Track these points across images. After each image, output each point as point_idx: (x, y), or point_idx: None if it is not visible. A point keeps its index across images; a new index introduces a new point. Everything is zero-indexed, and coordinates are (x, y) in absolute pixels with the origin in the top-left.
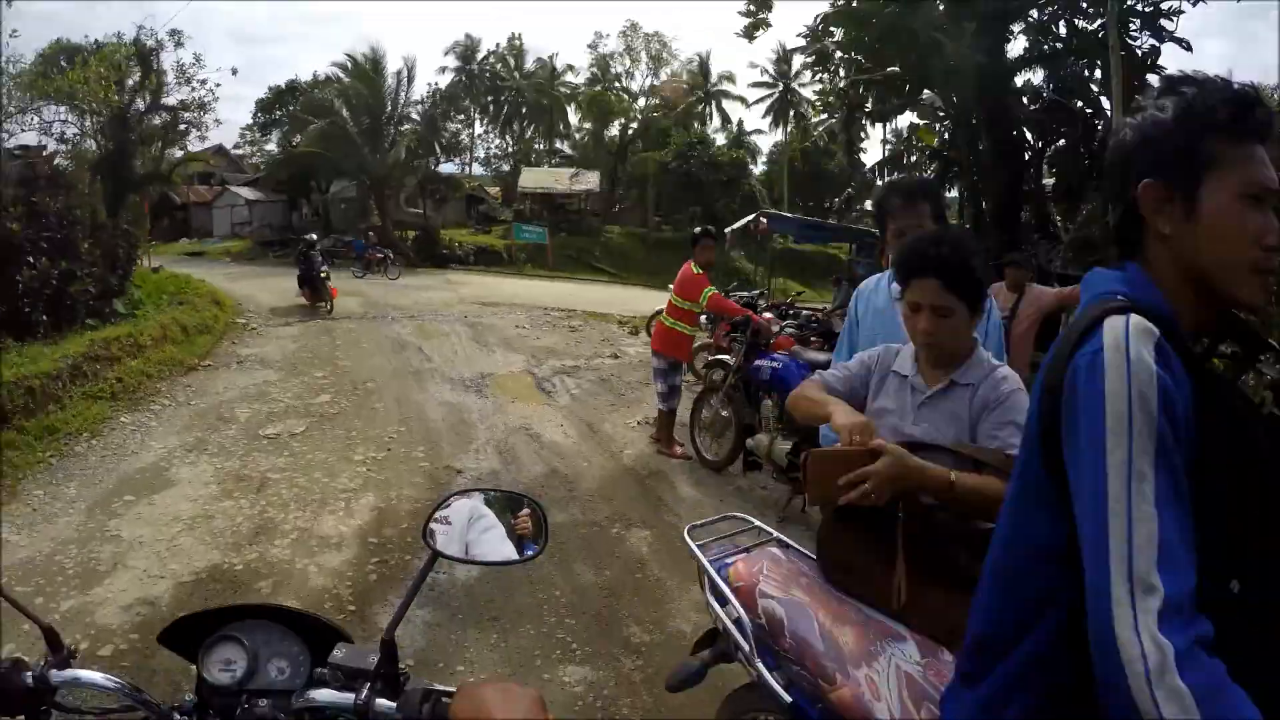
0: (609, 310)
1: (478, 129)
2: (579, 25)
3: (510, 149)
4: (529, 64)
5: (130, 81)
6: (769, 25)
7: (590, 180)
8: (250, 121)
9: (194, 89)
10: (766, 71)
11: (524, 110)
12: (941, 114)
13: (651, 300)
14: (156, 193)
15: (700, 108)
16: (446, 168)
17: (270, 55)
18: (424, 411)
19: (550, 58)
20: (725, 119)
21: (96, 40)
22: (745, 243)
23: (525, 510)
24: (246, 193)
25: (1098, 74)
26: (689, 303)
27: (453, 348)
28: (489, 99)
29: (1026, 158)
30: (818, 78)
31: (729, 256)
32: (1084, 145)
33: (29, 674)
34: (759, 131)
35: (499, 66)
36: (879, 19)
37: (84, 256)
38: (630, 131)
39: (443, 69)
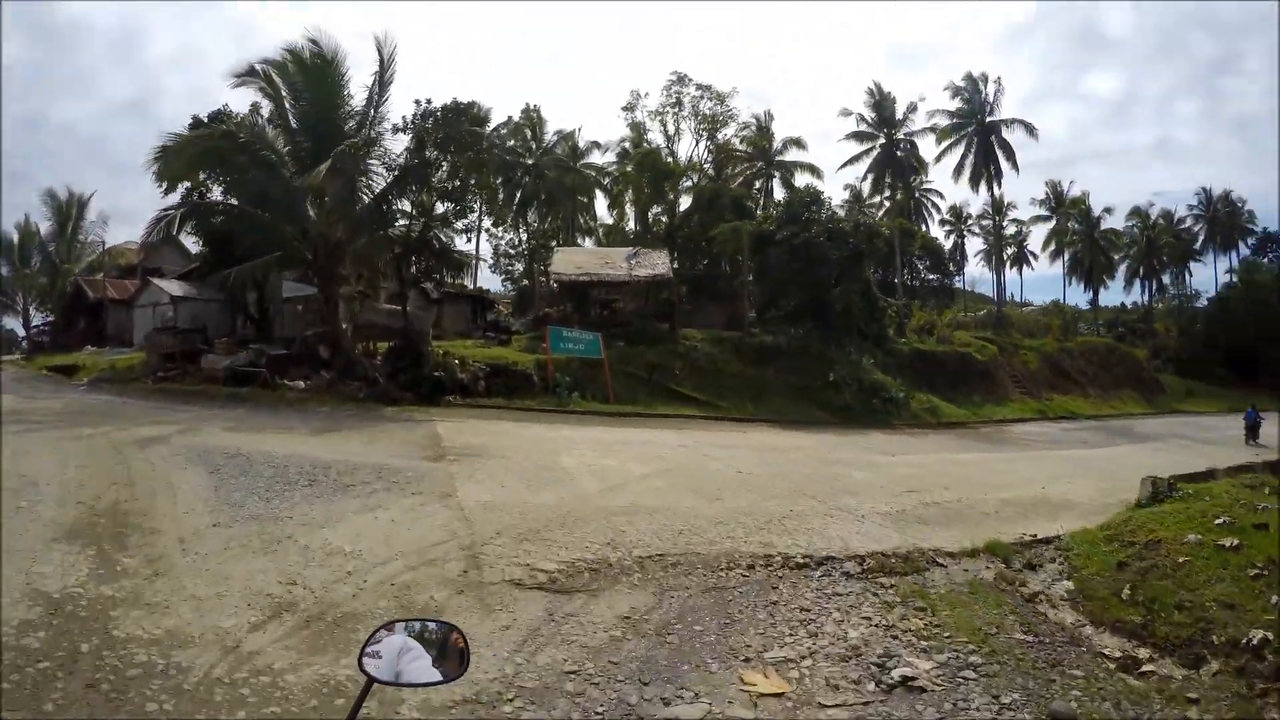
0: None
1: (485, 220)
2: (604, 101)
3: (522, 245)
4: (548, 136)
5: None
6: None
7: (657, 263)
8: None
9: None
10: (864, 119)
11: (542, 194)
12: None
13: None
14: (62, 285)
15: (759, 183)
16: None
17: None
18: None
19: (574, 131)
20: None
21: None
22: (869, 346)
23: (450, 635)
24: (172, 287)
25: None
26: None
27: None
28: (498, 180)
29: None
30: None
31: (859, 365)
32: None
33: None
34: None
35: (511, 141)
36: None
37: None
38: (680, 205)
39: None
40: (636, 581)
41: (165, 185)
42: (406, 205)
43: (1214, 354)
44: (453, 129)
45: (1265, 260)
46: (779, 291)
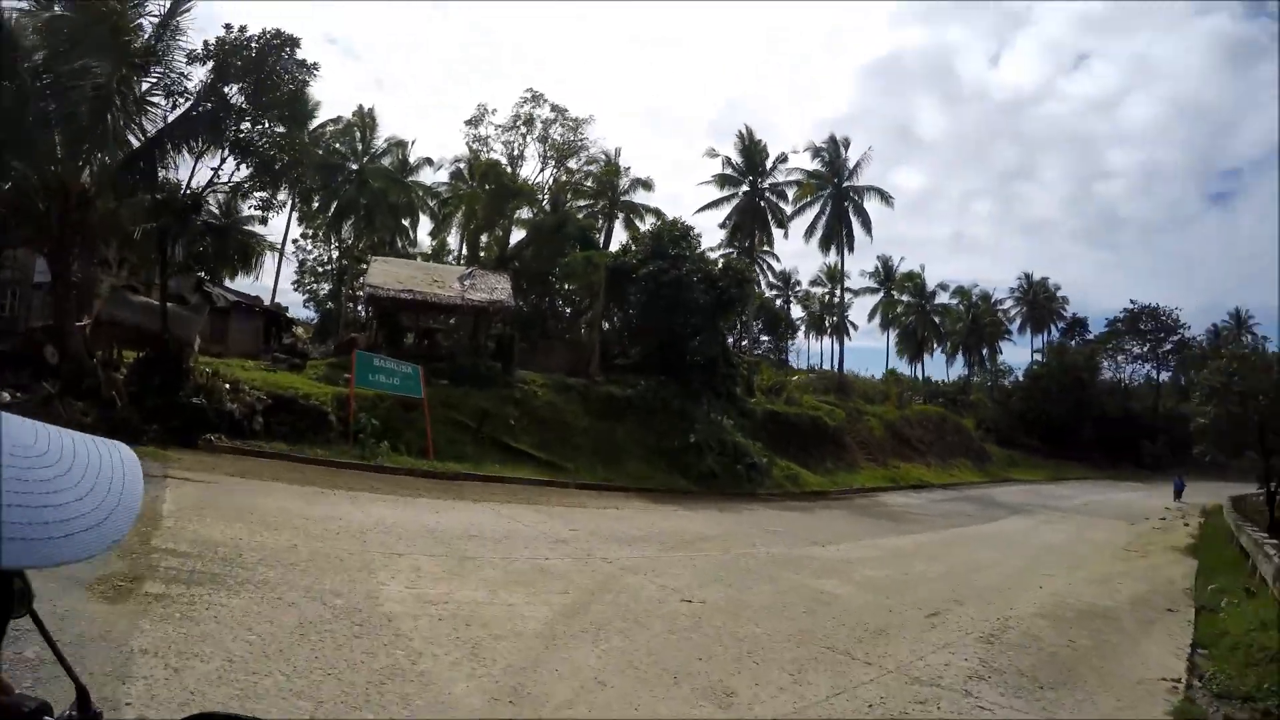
0: None
1: (293, 229)
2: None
3: (331, 264)
4: (378, 142)
5: None
6: None
7: (495, 286)
8: None
9: None
10: (730, 163)
11: (362, 207)
12: None
13: None
14: None
15: (601, 222)
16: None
17: None
18: None
19: (409, 143)
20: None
21: None
22: (724, 405)
23: None
24: None
25: None
26: None
27: None
28: (315, 182)
29: None
30: None
31: (720, 425)
32: None
33: None
34: None
35: (337, 144)
36: None
37: None
38: (513, 235)
39: None
40: None
41: None
42: (189, 162)
43: (1027, 425)
44: (270, 70)
45: (1073, 343)
46: (632, 336)
